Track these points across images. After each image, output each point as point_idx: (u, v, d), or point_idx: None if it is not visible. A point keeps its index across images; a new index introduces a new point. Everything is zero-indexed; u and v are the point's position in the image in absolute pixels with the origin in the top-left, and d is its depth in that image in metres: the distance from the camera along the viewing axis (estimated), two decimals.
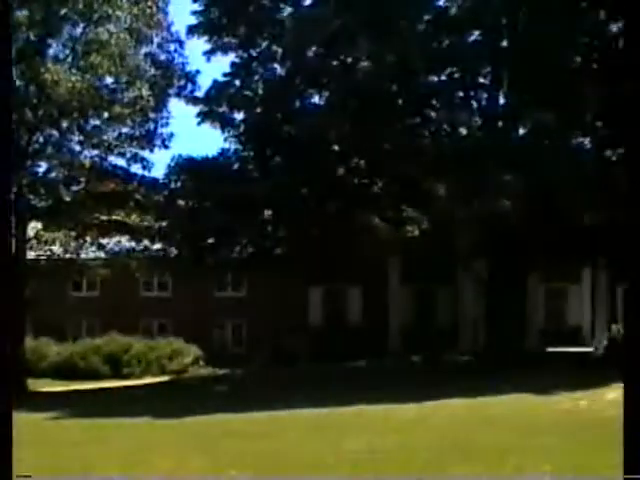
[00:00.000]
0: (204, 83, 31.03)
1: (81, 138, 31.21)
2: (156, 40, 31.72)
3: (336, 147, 28.84)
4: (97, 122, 31.21)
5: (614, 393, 17.90)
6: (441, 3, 27.53)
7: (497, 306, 28.78)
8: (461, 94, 28.68)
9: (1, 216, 5.95)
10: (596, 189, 23.76)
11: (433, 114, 28.59)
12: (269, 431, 15.62)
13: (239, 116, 29.32)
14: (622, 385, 17.30)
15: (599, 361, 32.40)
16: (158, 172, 32.75)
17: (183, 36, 31.10)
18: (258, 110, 28.95)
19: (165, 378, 34.55)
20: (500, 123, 28.13)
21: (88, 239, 32.75)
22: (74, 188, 31.30)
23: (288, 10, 29.15)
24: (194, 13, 29.10)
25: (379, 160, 27.79)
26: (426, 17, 27.32)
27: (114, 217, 32.39)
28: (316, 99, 29.68)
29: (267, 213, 30.21)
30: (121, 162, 32.11)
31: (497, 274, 28.97)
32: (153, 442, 14.92)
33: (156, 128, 32.27)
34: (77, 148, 31.48)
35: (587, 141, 29.49)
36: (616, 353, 33.59)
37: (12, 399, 7.27)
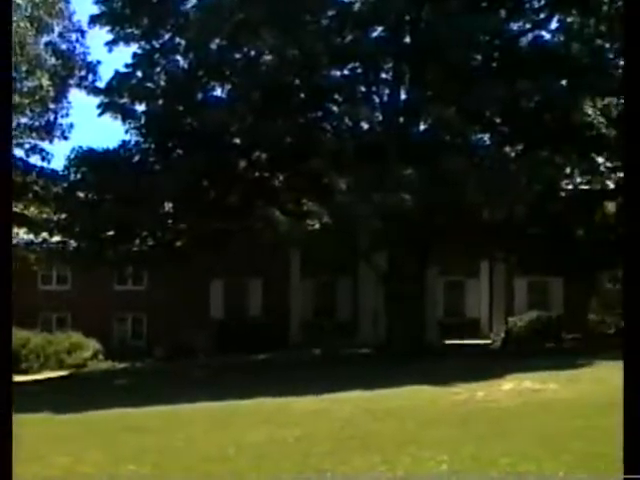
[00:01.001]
0: (106, 74, 30.64)
1: None
2: (57, 29, 31.24)
3: (238, 140, 28.81)
4: None
5: (510, 384, 18.36)
6: None
7: (397, 299, 29.12)
8: (363, 89, 28.91)
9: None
10: (495, 184, 24.21)
11: (335, 108, 28.76)
12: (169, 425, 15.57)
13: (141, 108, 29.02)
14: (517, 376, 17.83)
15: (496, 353, 33.07)
16: (58, 164, 32.22)
17: (85, 26, 30.68)
18: (160, 102, 28.72)
19: (64, 372, 34.05)
20: (401, 118, 28.46)
21: None
22: None
23: (192, 2, 28.94)
24: (96, 2, 28.66)
25: (281, 154, 27.86)
26: (330, 12, 27.43)
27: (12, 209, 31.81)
28: (219, 92, 29.58)
29: (168, 206, 30.03)
30: (20, 153, 31.56)
31: (397, 267, 29.32)
32: (51, 437, 14.75)
33: (56, 119, 31.84)
34: None
35: (487, 137, 30.07)
36: (513, 345, 34.40)
37: (12, 399, 7.16)
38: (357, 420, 14.71)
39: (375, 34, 28.10)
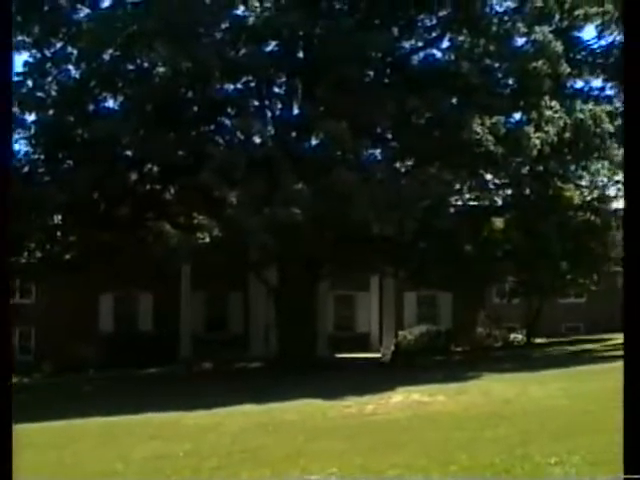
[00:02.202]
0: None
1: None
2: None
3: (129, 152, 28.55)
4: None
5: (399, 397, 18.57)
6: (239, 12, 27.66)
7: (287, 313, 29.23)
8: (256, 103, 28.95)
9: None
10: (385, 200, 24.50)
11: (228, 122, 28.74)
12: (58, 441, 15.32)
13: (31, 118, 28.49)
14: (406, 389, 18.03)
15: (386, 366, 33.42)
16: None
17: None
18: (51, 112, 28.22)
19: None
20: (293, 133, 28.61)
21: None
22: None
23: (85, 11, 28.59)
24: None
25: (172, 166, 27.69)
26: (224, 25, 27.41)
27: None
28: (111, 103, 29.24)
29: (57, 218, 29.54)
30: None
31: (287, 281, 29.44)
32: None
33: None
34: None
35: (377, 153, 30.44)
36: (402, 358, 34.82)
37: (12, 400, 6.98)
38: (248, 434, 14.70)
39: (269, 48, 28.18)
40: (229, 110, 28.69)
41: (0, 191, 7.54)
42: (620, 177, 34.48)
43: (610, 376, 20.20)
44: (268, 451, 12.62)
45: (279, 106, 29.52)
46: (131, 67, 27.87)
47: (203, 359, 35.03)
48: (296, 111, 29.40)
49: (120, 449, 13.69)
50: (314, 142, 28.80)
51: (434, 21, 29.64)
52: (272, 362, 30.40)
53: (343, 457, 11.48)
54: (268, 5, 26.79)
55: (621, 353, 27.91)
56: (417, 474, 10.12)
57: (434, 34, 30.00)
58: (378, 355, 37.87)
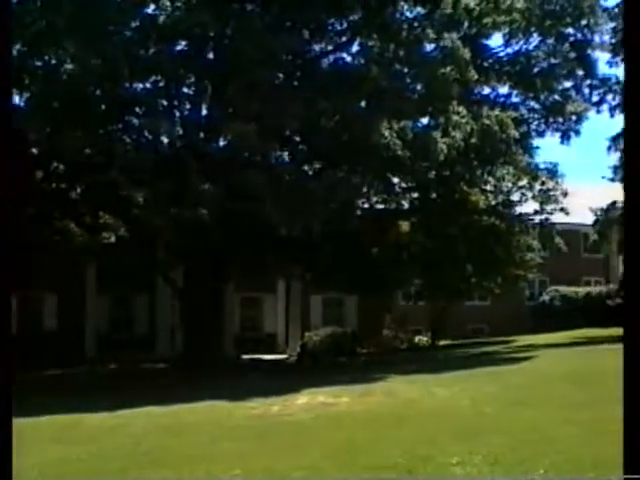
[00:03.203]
0: None
1: None
2: None
3: (35, 150, 28.10)
4: None
5: (305, 398, 18.61)
6: (150, 11, 27.41)
7: (194, 314, 29.11)
8: (165, 103, 28.74)
9: None
10: (292, 202, 24.58)
11: (136, 121, 28.47)
12: None
13: None
14: (312, 390, 18.07)
15: (292, 368, 33.48)
16: None
17: None
18: None
19: None
20: (201, 134, 28.49)
21: None
22: None
23: None
24: None
25: (79, 165, 27.34)
26: (134, 24, 27.13)
27: None
28: (17, 100, 28.72)
29: None
30: None
31: (194, 282, 29.31)
32: None
33: None
34: None
35: (286, 155, 30.49)
36: (308, 360, 34.94)
37: (12, 401, 6.76)
38: (152, 436, 14.59)
39: (179, 48, 28.01)
40: (137, 109, 28.42)
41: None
42: (524, 182, 35.15)
43: (511, 377, 20.63)
44: (172, 453, 12.55)
45: (188, 106, 29.38)
46: (38, 63, 27.38)
47: (108, 360, 34.66)
48: (205, 112, 29.31)
49: (22, 452, 13.45)
50: (222, 143, 28.73)
51: (344, 25, 29.82)
52: (178, 363, 30.22)
53: (247, 459, 11.48)
54: (179, 4, 26.61)
55: (523, 354, 28.55)
56: (321, 475, 10.19)
57: (344, 38, 30.20)
58: (284, 356, 37.97)
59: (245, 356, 35.33)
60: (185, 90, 29.31)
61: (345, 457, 11.13)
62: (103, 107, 28.06)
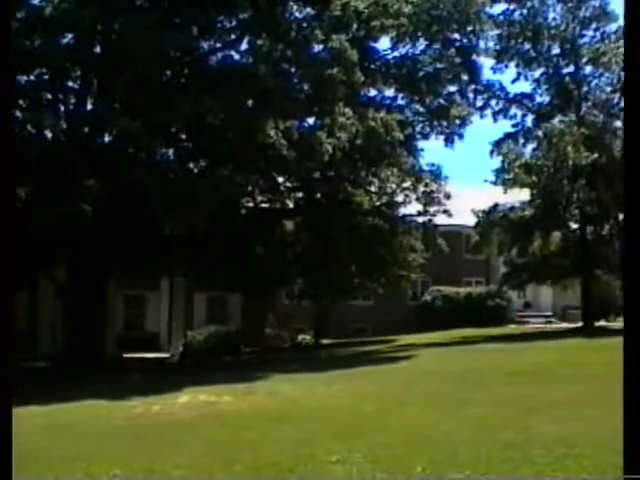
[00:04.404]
0: None
1: None
2: None
3: None
4: None
5: (186, 397, 18.54)
6: (36, 2, 26.80)
7: (76, 312, 28.67)
8: (49, 96, 28.19)
9: None
10: (177, 200, 24.43)
11: (19, 114, 27.85)
12: None
13: None
14: (194, 389, 17.99)
15: (175, 366, 33.29)
16: None
17: None
18: None
19: None
20: (86, 129, 28.06)
21: None
22: None
23: None
24: None
25: None
26: (19, 15, 26.51)
27: None
28: None
29: None
30: None
31: (76, 280, 28.86)
32: None
33: None
34: None
35: (171, 152, 30.28)
36: (191, 358, 34.79)
37: (12, 400, 6.44)
38: (30, 436, 14.32)
39: (65, 41, 27.49)
40: (21, 102, 27.81)
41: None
42: (408, 184, 35.64)
43: (392, 376, 20.94)
44: (50, 453, 12.34)
45: (73, 100, 28.88)
46: None
47: None
48: (90, 106, 28.86)
49: None
50: (108, 139, 28.35)
51: (234, 23, 29.76)
52: (58, 362, 29.69)
53: (127, 458, 11.38)
54: None
55: (404, 354, 29.05)
56: (202, 474, 10.18)
57: (233, 36, 30.14)
58: (167, 355, 37.71)
59: (128, 355, 34.93)
60: (70, 84, 28.82)
61: (226, 456, 11.14)
62: None
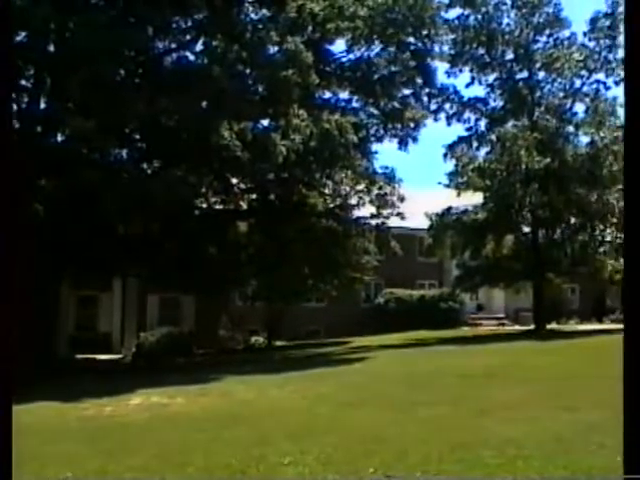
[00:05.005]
0: None
1: None
2: None
3: None
4: None
5: (139, 399, 18.47)
6: None
7: (27, 313, 28.37)
8: None
9: None
10: (130, 201, 24.33)
11: None
12: None
13: None
14: (146, 391, 17.87)
15: (127, 368, 33.09)
16: None
17: None
18: None
19: None
20: (39, 128, 27.83)
21: None
22: None
23: None
24: None
25: None
26: None
27: None
28: None
29: None
30: None
31: (28, 281, 28.56)
32: None
33: None
34: None
35: (125, 153, 30.13)
36: (144, 360, 34.59)
37: (12, 399, 6.34)
38: None
39: (18, 39, 27.21)
40: None
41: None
42: (362, 186, 35.75)
43: (345, 378, 21.00)
44: None
45: (26, 99, 28.62)
46: None
47: None
48: (43, 105, 28.62)
49: None
50: (60, 138, 28.14)
51: (189, 23, 29.65)
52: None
53: (79, 460, 11.33)
54: None
55: (357, 356, 29.10)
56: (152, 476, 10.15)
57: (188, 36, 30.01)
58: (120, 356, 37.49)
59: (80, 356, 34.69)
60: (23, 82, 28.54)
61: (178, 457, 11.12)
62: None
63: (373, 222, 37.14)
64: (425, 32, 37.21)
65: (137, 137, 29.58)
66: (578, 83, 39.56)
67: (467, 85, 41.08)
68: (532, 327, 39.43)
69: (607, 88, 39.40)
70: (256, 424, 14.00)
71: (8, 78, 6.79)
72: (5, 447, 6.48)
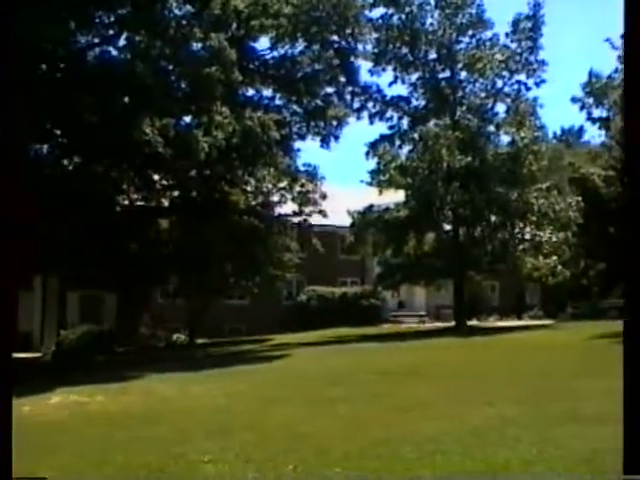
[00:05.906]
0: None
1: None
2: None
3: None
4: None
5: (58, 397, 18.27)
6: None
7: None
8: None
9: None
10: (52, 196, 24.04)
11: None
12: None
13: None
14: (66, 389, 17.67)
15: (47, 366, 32.67)
16: None
17: None
18: None
19: None
20: None
21: None
22: None
23: None
24: None
25: None
26: None
27: None
28: None
29: None
30: None
31: None
32: None
33: None
34: None
35: (45, 148, 29.73)
36: (64, 358, 34.16)
37: (12, 399, 6.18)
38: None
39: None
40: None
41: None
42: (284, 184, 35.79)
43: (265, 375, 21.06)
44: None
45: None
46: None
47: None
48: None
49: None
50: None
51: (112, 18, 29.30)
52: None
53: None
54: None
55: (278, 353, 29.08)
56: (70, 476, 10.09)
57: (111, 31, 29.66)
58: (39, 355, 36.99)
59: None
60: None
61: (97, 456, 11.06)
62: None
63: (295, 220, 37.24)
64: (349, 31, 37.41)
65: (58, 132, 29.18)
66: (500, 83, 40.23)
67: (390, 84, 41.30)
68: (453, 324, 39.85)
69: (528, 89, 40.14)
70: (177, 422, 13.97)
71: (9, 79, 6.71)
72: (5, 446, 6.42)
